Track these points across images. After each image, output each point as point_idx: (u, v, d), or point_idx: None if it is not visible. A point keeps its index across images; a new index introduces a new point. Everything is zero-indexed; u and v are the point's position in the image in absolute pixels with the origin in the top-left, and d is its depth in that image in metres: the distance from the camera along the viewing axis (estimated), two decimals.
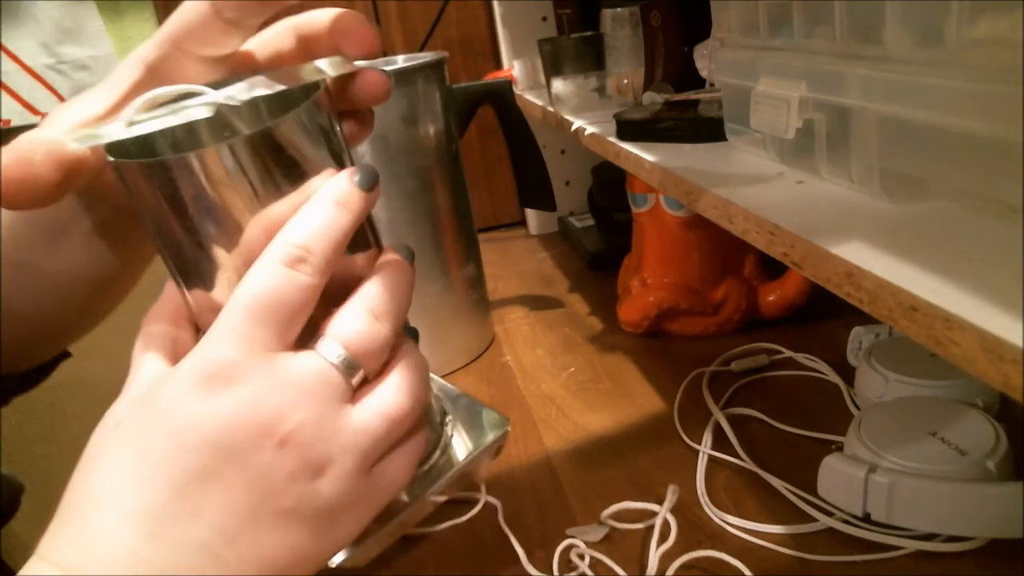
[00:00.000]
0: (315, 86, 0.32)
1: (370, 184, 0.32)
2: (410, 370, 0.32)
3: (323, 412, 0.29)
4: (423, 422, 0.34)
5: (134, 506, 0.27)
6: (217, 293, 0.32)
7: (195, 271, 0.32)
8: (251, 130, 0.30)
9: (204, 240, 0.31)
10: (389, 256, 0.34)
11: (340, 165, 0.33)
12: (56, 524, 0.28)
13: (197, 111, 0.30)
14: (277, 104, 0.35)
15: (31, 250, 0.40)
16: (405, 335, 0.34)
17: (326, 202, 0.30)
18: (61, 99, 1.36)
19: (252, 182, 0.30)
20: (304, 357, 0.29)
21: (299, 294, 0.29)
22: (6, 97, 1.33)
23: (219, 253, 0.31)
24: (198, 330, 0.34)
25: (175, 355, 0.31)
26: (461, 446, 0.45)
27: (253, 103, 0.33)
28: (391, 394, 0.31)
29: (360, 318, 0.30)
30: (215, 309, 0.30)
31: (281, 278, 0.29)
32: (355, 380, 0.30)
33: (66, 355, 0.49)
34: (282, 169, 0.30)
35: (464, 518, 0.53)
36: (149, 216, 0.31)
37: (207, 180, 0.29)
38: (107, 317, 0.46)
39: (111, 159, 0.30)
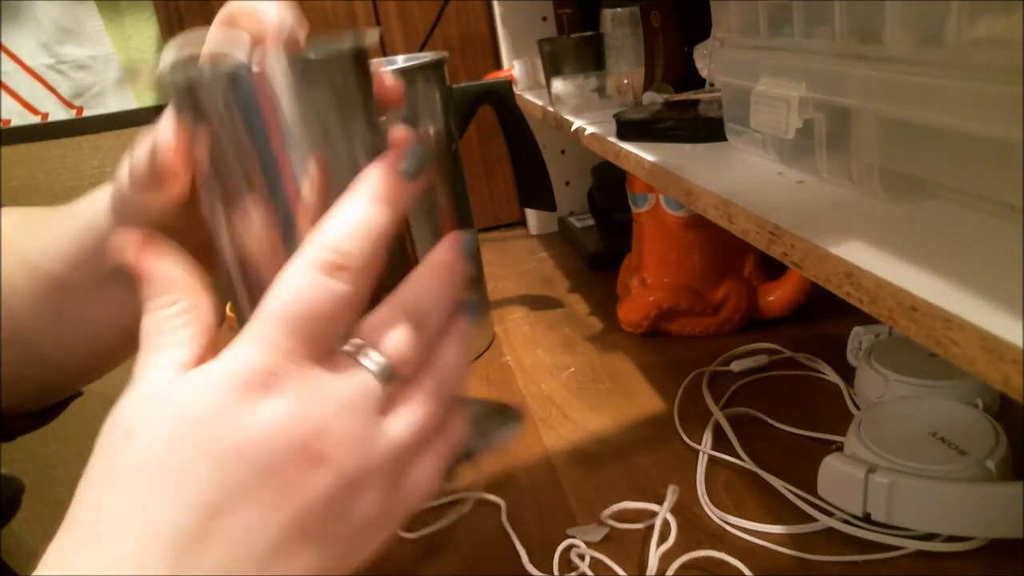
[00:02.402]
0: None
1: (416, 171, 0.29)
2: (446, 371, 0.30)
3: (361, 426, 0.27)
4: (451, 421, 0.32)
5: (160, 529, 0.24)
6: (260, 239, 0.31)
7: (237, 213, 0.31)
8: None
9: (250, 173, 0.30)
10: (442, 252, 0.32)
11: (375, 137, 0.32)
12: (69, 546, 0.25)
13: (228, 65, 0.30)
14: None
15: (76, 299, 0.41)
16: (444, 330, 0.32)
17: (365, 199, 0.28)
18: (61, 99, 1.36)
19: (295, 109, 0.29)
20: (343, 367, 0.27)
21: (335, 304, 0.27)
22: (6, 97, 1.33)
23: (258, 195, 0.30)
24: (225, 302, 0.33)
25: (194, 341, 0.28)
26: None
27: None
28: (425, 402, 0.29)
29: (401, 324, 0.28)
30: (263, 256, 0.30)
31: (316, 287, 0.27)
32: (391, 388, 0.28)
33: (78, 395, 0.49)
34: (324, 106, 0.30)
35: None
36: (201, 147, 0.31)
37: (249, 96, 0.29)
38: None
39: (167, 75, 0.31)
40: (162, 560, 0.24)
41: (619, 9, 0.65)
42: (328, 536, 0.27)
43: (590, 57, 0.70)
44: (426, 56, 0.71)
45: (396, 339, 0.28)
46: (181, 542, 0.24)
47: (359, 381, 0.27)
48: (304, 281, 0.27)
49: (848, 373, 0.61)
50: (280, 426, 0.26)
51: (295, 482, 0.26)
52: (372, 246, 0.28)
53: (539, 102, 0.82)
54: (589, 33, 0.71)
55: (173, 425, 0.26)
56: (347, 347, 0.28)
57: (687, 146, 0.50)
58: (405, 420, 0.28)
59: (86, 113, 1.38)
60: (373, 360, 0.28)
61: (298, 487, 0.26)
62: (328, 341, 0.28)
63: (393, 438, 0.28)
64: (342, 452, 0.26)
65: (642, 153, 0.50)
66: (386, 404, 0.28)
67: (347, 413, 0.27)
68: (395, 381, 0.28)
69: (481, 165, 1.17)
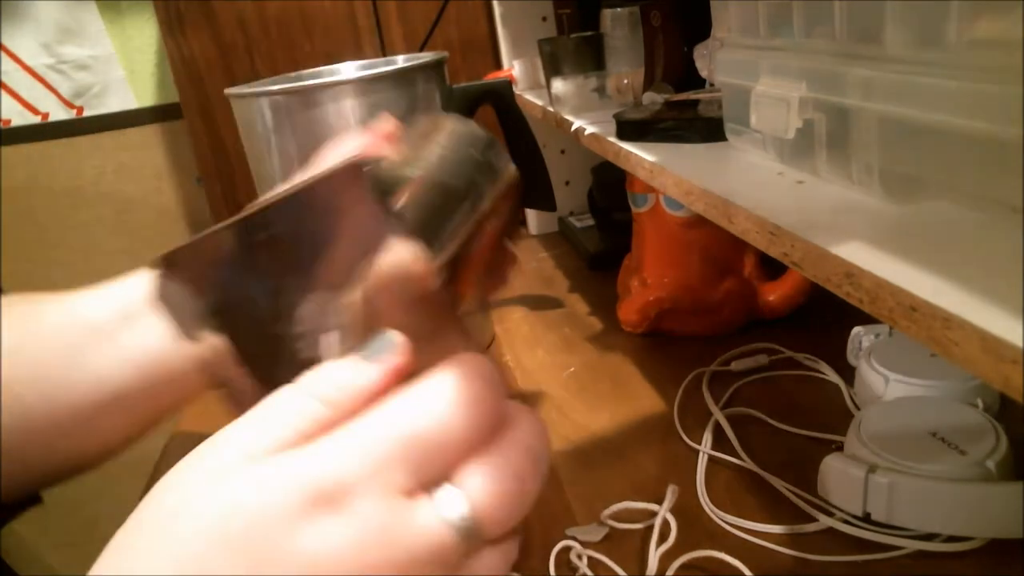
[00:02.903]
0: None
1: None
2: (516, 544, 0.26)
3: None
4: None
5: None
6: None
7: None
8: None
9: None
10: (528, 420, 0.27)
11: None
12: None
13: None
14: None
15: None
16: None
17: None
18: (61, 99, 1.36)
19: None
20: (423, 513, 0.24)
21: (461, 444, 0.24)
22: (6, 97, 1.33)
23: None
24: None
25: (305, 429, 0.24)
26: None
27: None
28: (494, 564, 0.25)
29: (507, 478, 0.25)
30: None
31: (456, 418, 0.24)
32: (469, 548, 0.24)
33: (37, 500, 0.50)
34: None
35: None
36: None
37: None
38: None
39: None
40: None
41: (619, 9, 0.65)
42: None
43: (590, 57, 0.70)
44: (426, 56, 0.71)
45: (494, 495, 0.24)
46: None
47: (435, 537, 0.24)
48: (446, 408, 0.24)
49: (848, 373, 0.61)
50: (333, 554, 0.23)
51: None
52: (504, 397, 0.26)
53: (539, 102, 0.82)
54: (589, 33, 0.71)
55: (223, 520, 0.23)
56: (439, 490, 0.24)
57: (687, 146, 0.50)
58: None
59: (86, 113, 1.38)
60: (458, 511, 0.24)
61: None
62: (429, 478, 0.24)
63: None
64: None
65: (642, 153, 0.50)
66: (460, 561, 0.24)
67: (412, 565, 0.23)
68: (476, 541, 0.24)
69: None
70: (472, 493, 0.24)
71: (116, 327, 0.43)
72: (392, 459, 0.23)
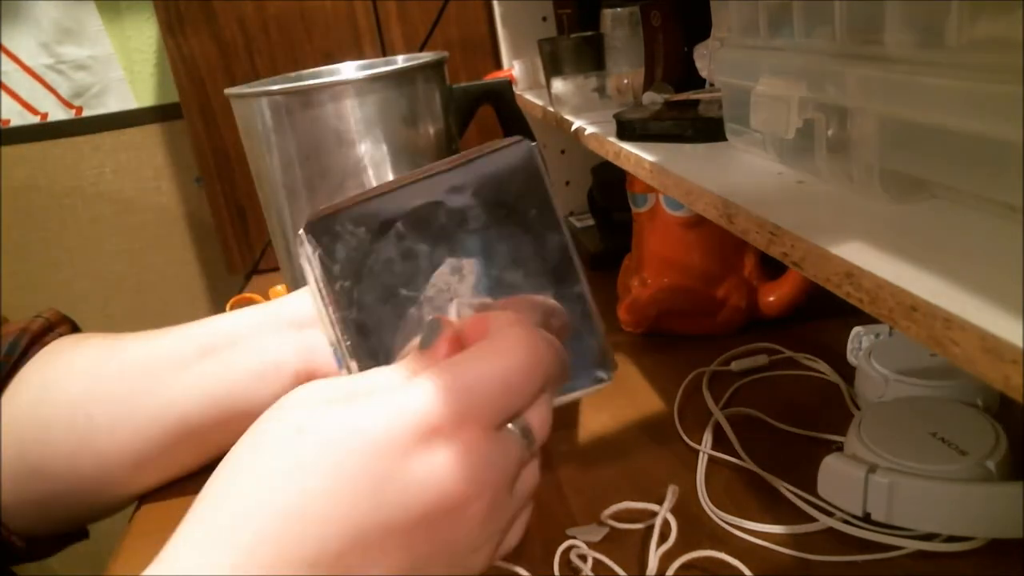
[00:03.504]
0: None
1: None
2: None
3: (504, 494, 0.29)
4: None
5: (306, 546, 0.25)
6: None
7: None
8: None
9: None
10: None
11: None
12: (207, 528, 0.26)
13: None
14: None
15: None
16: None
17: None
18: (61, 99, 1.36)
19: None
20: (508, 437, 0.29)
21: (534, 392, 0.29)
22: (6, 97, 1.33)
23: None
24: None
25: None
26: None
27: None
28: (535, 474, 0.32)
29: (549, 410, 0.31)
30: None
31: (537, 369, 0.29)
32: (528, 455, 0.31)
33: (84, 535, 0.52)
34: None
35: None
36: None
37: None
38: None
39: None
40: (298, 570, 0.25)
41: (619, 9, 0.65)
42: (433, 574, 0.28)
43: (590, 57, 0.70)
44: (426, 56, 0.72)
45: (543, 422, 0.30)
46: (319, 563, 0.25)
47: (515, 453, 0.29)
48: (527, 359, 0.29)
49: (848, 373, 0.61)
50: (445, 481, 0.26)
51: (439, 535, 0.27)
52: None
53: (539, 102, 0.82)
54: (589, 33, 0.71)
55: (350, 445, 0.26)
56: (514, 422, 0.30)
57: (687, 146, 0.50)
58: (526, 487, 0.31)
59: (86, 113, 1.38)
60: (524, 433, 0.30)
61: (439, 540, 0.27)
62: (508, 418, 0.29)
63: (515, 507, 0.31)
64: (484, 516, 0.28)
65: (642, 153, 0.50)
66: (523, 463, 0.30)
67: (500, 482, 0.28)
68: (532, 451, 0.30)
69: None
70: (534, 422, 0.30)
71: (195, 360, 0.44)
72: (484, 400, 0.28)
